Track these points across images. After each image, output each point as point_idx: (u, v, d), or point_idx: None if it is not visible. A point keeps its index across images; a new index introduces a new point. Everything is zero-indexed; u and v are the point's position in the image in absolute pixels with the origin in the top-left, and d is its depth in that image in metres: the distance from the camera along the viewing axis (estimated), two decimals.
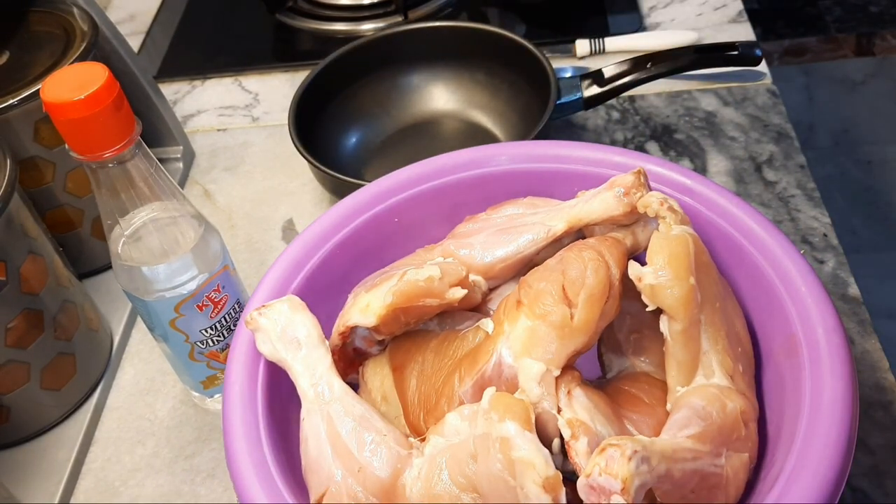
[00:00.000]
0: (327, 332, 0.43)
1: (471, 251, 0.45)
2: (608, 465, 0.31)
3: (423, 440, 0.39)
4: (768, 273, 0.42)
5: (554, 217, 0.44)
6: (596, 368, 0.45)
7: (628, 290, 0.39)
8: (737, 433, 0.37)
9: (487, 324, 0.41)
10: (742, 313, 0.43)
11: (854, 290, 0.59)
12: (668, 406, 0.39)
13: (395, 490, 0.37)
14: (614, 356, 0.45)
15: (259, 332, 0.42)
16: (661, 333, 0.39)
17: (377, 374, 0.43)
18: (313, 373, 0.40)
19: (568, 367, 0.39)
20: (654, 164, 0.47)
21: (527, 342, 0.38)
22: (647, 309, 0.38)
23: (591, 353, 0.42)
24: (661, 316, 0.39)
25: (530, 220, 0.45)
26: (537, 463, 0.34)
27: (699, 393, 0.38)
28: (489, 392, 0.37)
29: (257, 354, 0.42)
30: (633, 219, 0.43)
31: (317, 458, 0.39)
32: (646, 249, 0.39)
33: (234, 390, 0.42)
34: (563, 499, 0.34)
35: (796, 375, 0.38)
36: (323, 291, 0.47)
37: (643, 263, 0.39)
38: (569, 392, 0.38)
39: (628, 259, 0.40)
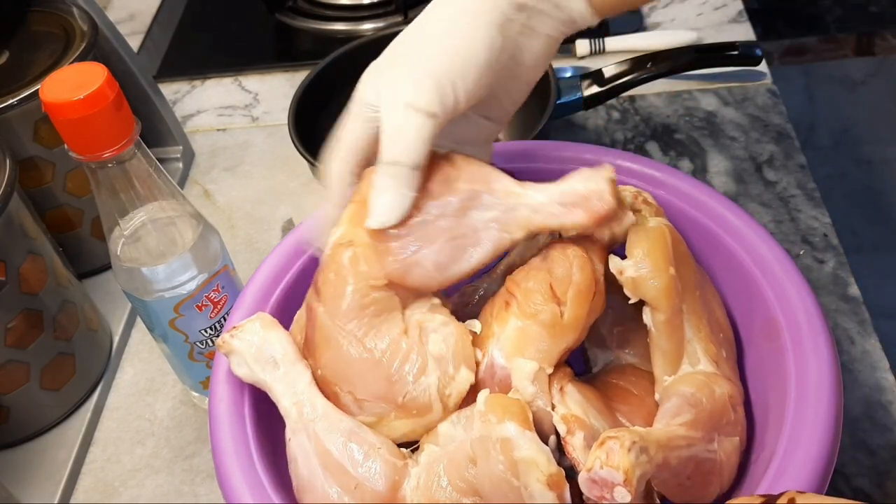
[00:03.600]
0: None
1: (424, 271, 0.38)
2: (609, 457, 0.32)
3: (416, 450, 0.39)
4: (744, 259, 0.42)
5: (513, 221, 0.38)
6: (579, 364, 0.45)
7: (609, 284, 0.40)
8: (726, 417, 0.38)
9: (474, 324, 0.40)
10: (721, 300, 0.43)
11: (854, 289, 0.59)
12: (657, 396, 0.39)
13: (395, 502, 0.37)
14: (599, 350, 0.45)
15: (233, 355, 0.40)
16: (644, 325, 0.39)
17: None
18: (294, 391, 0.39)
19: (559, 364, 0.39)
20: (627, 160, 0.48)
21: (518, 342, 0.38)
22: (630, 301, 0.39)
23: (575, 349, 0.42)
24: (644, 308, 0.39)
25: (481, 219, 0.38)
26: (540, 461, 0.34)
27: (687, 381, 0.38)
28: (483, 394, 0.37)
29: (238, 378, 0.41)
30: (601, 230, 0.40)
31: (309, 479, 0.38)
32: (623, 243, 0.39)
33: (221, 409, 0.41)
34: (568, 495, 0.34)
35: (779, 358, 0.39)
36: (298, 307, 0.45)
37: (623, 257, 0.39)
38: (561, 388, 0.38)
39: (607, 254, 0.40)
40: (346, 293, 0.38)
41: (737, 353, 0.43)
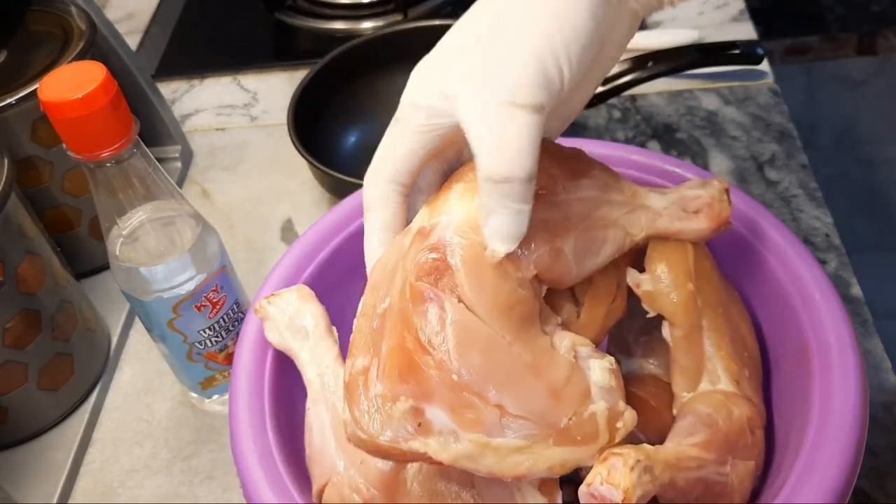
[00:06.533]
0: (336, 322, 0.43)
1: (567, 261, 0.35)
2: (610, 474, 0.31)
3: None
4: (781, 278, 0.41)
5: (635, 222, 0.37)
6: None
7: None
8: (743, 440, 0.37)
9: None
10: (749, 318, 0.42)
11: (856, 290, 0.59)
12: (675, 411, 0.39)
13: (397, 483, 0.37)
14: (623, 357, 0.44)
15: (267, 321, 0.42)
16: None
17: None
18: (320, 363, 0.41)
19: None
20: (670, 164, 0.47)
21: None
22: (648, 315, 0.38)
23: None
24: (663, 322, 0.39)
25: (610, 216, 0.37)
26: None
27: (705, 399, 0.38)
28: None
29: (266, 343, 0.43)
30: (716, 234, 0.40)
31: (320, 449, 0.39)
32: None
33: (242, 377, 0.42)
34: (559, 500, 0.33)
35: (806, 383, 0.38)
36: (333, 282, 0.47)
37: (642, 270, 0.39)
38: None
39: (642, 257, 0.40)
40: (495, 286, 0.32)
41: (764, 374, 0.41)
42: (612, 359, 0.34)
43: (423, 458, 0.31)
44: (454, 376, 0.31)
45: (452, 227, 0.33)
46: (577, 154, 0.37)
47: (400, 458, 0.32)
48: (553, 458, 0.32)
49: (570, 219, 0.35)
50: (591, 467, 0.32)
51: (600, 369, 0.34)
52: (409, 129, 0.33)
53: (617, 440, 0.33)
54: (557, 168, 0.36)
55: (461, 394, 0.31)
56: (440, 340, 0.31)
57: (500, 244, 0.31)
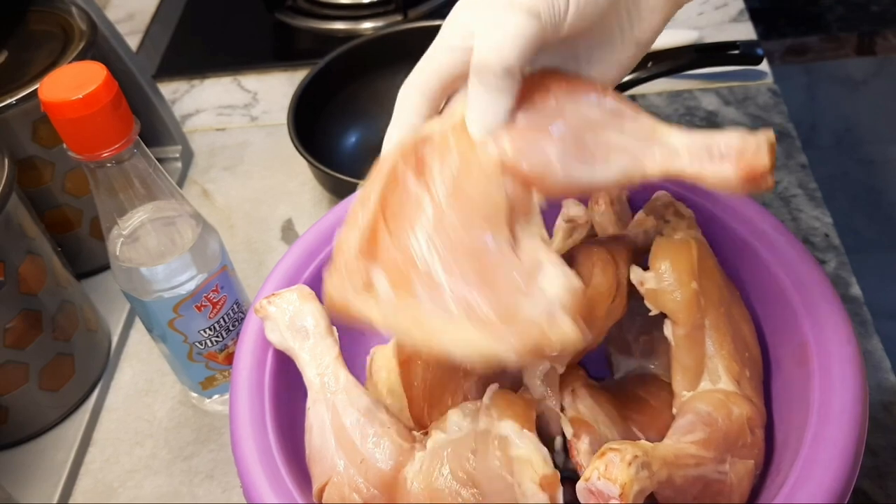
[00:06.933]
0: (336, 323, 0.43)
1: (545, 163, 0.33)
2: (607, 469, 0.31)
3: (426, 434, 0.39)
4: (782, 279, 0.41)
5: (649, 155, 0.34)
6: (602, 369, 0.45)
7: (638, 291, 0.39)
8: (742, 440, 0.37)
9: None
10: (750, 318, 0.42)
11: (856, 290, 0.59)
12: (675, 410, 0.39)
13: (397, 482, 0.37)
14: (622, 357, 0.44)
15: (268, 321, 0.43)
16: None
17: (384, 367, 0.44)
18: (320, 363, 0.41)
19: (573, 365, 0.39)
20: None
21: None
22: (651, 313, 0.39)
23: (598, 353, 0.41)
24: (665, 321, 0.39)
25: (618, 141, 0.34)
26: (535, 461, 0.34)
27: (705, 398, 0.38)
28: (491, 389, 0.37)
29: (266, 343, 0.43)
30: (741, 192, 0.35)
31: (320, 448, 0.39)
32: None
33: (242, 377, 0.42)
34: (560, 498, 0.34)
35: (805, 384, 0.38)
36: None
37: (646, 268, 0.39)
38: (573, 391, 0.38)
39: (642, 257, 0.40)
40: (462, 178, 0.34)
41: (764, 374, 0.41)
42: (579, 283, 0.32)
43: (366, 320, 0.33)
44: (404, 252, 0.33)
45: (443, 121, 0.35)
46: (592, 82, 0.36)
47: (349, 318, 0.33)
48: (473, 341, 0.31)
49: (557, 125, 0.34)
50: (587, 466, 0.32)
51: (555, 278, 0.32)
52: (441, 45, 0.36)
53: (550, 350, 0.31)
54: (556, 84, 0.35)
55: (407, 269, 0.33)
56: (402, 219, 0.33)
57: (475, 129, 0.34)
